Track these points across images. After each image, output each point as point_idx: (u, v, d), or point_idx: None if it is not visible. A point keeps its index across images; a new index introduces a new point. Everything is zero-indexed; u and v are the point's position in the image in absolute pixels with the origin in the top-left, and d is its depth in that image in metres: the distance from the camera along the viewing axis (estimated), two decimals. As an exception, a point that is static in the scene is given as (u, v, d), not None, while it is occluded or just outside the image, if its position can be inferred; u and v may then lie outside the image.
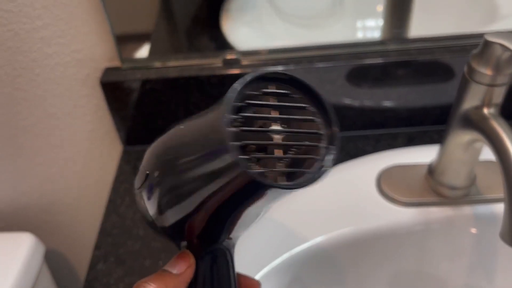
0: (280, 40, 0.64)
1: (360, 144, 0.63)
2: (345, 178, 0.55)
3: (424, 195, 0.52)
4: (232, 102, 0.25)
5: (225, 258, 0.33)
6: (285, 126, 0.27)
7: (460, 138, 0.46)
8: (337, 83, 0.60)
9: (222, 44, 0.63)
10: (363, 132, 0.65)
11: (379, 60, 0.58)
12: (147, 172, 0.32)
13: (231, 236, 0.32)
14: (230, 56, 0.60)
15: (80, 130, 0.68)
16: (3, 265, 0.68)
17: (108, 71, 0.61)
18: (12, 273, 0.67)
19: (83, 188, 0.75)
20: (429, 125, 0.64)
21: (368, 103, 0.62)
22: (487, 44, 0.41)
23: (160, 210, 0.32)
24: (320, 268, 0.51)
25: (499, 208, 0.50)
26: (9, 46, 0.58)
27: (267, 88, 0.27)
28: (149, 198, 0.32)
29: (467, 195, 0.51)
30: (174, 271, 0.31)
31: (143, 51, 0.62)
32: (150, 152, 0.33)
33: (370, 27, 0.65)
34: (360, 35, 0.65)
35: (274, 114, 0.27)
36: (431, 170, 0.52)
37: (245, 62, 0.60)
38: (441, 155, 0.50)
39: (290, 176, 0.26)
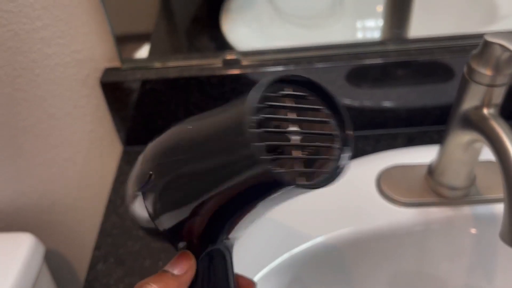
0: (280, 40, 0.64)
1: (360, 144, 0.63)
2: (345, 178, 0.54)
3: (424, 195, 0.52)
4: (255, 103, 0.25)
5: (225, 258, 0.33)
6: (300, 127, 0.28)
7: (460, 138, 0.46)
8: (336, 83, 0.60)
9: (222, 44, 0.63)
10: (363, 132, 0.65)
11: (378, 61, 0.58)
12: (151, 172, 0.31)
13: (230, 236, 0.32)
14: (230, 56, 0.60)
15: (80, 131, 0.68)
16: (3, 265, 0.68)
17: (108, 71, 0.61)
18: (12, 273, 0.67)
19: (83, 188, 0.75)
20: (429, 125, 0.64)
21: (367, 103, 0.62)
22: (487, 45, 0.41)
23: (165, 210, 0.31)
24: (320, 268, 0.51)
25: (499, 208, 0.50)
26: (9, 46, 0.58)
27: (283, 90, 0.27)
28: (152, 199, 0.32)
29: (467, 195, 0.51)
30: (175, 272, 0.31)
31: (143, 51, 0.62)
32: (153, 152, 0.32)
33: (370, 27, 0.65)
34: (360, 36, 0.65)
35: (291, 115, 0.27)
36: (431, 171, 0.52)
37: (245, 62, 0.60)
38: (441, 155, 0.50)
39: (307, 176, 0.27)
